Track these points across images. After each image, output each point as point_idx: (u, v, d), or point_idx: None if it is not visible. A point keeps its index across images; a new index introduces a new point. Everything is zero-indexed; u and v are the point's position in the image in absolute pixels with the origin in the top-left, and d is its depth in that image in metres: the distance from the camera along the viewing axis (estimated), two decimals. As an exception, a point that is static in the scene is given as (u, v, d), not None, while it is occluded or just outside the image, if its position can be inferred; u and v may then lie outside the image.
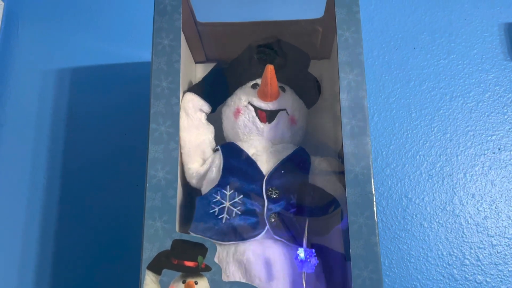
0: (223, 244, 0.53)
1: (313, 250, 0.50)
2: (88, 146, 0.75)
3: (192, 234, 0.50)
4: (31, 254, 0.71)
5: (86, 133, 0.76)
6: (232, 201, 0.55)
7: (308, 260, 0.50)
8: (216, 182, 0.57)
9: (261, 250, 0.53)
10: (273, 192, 0.55)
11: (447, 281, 0.67)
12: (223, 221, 0.54)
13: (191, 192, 0.64)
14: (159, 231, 0.49)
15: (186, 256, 0.49)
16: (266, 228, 0.54)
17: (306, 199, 0.56)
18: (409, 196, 0.70)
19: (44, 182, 0.74)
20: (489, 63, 0.76)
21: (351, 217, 0.48)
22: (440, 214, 0.69)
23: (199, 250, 0.49)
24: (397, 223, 0.69)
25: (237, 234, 0.53)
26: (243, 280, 0.51)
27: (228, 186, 0.56)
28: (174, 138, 0.52)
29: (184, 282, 0.49)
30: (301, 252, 0.50)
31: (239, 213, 0.54)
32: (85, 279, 0.69)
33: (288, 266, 0.52)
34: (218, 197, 0.56)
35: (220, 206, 0.55)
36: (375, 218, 0.48)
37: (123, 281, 0.68)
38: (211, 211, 0.55)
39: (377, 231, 0.47)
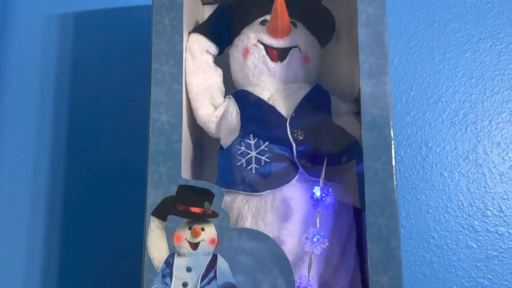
0: (259, 195, 0.53)
1: (330, 190, 0.50)
2: (93, 89, 0.76)
3: (223, 189, 0.50)
4: (41, 198, 0.73)
5: (90, 76, 0.76)
6: (259, 150, 0.54)
7: (324, 199, 0.49)
8: (237, 133, 0.56)
9: (299, 194, 0.53)
10: (299, 133, 0.54)
11: (466, 232, 0.66)
12: (253, 172, 0.53)
13: (199, 138, 0.64)
14: (164, 177, 0.49)
15: (192, 202, 0.49)
16: (300, 171, 0.53)
17: (329, 138, 0.55)
18: (429, 144, 0.69)
19: (50, 130, 0.75)
20: (522, 0, 0.72)
21: (367, 162, 0.46)
22: (462, 163, 0.68)
23: (205, 195, 0.49)
24: (415, 173, 0.68)
25: (271, 182, 0.53)
26: (281, 229, 0.52)
27: (251, 135, 0.55)
28: (178, 79, 0.51)
29: (190, 228, 0.49)
30: (317, 191, 0.49)
31: (268, 160, 0.53)
32: (92, 226, 0.71)
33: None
34: (243, 148, 0.55)
35: (247, 157, 0.54)
36: (393, 163, 0.46)
37: (127, 226, 0.69)
38: (238, 163, 0.54)
39: (394, 177, 0.46)
